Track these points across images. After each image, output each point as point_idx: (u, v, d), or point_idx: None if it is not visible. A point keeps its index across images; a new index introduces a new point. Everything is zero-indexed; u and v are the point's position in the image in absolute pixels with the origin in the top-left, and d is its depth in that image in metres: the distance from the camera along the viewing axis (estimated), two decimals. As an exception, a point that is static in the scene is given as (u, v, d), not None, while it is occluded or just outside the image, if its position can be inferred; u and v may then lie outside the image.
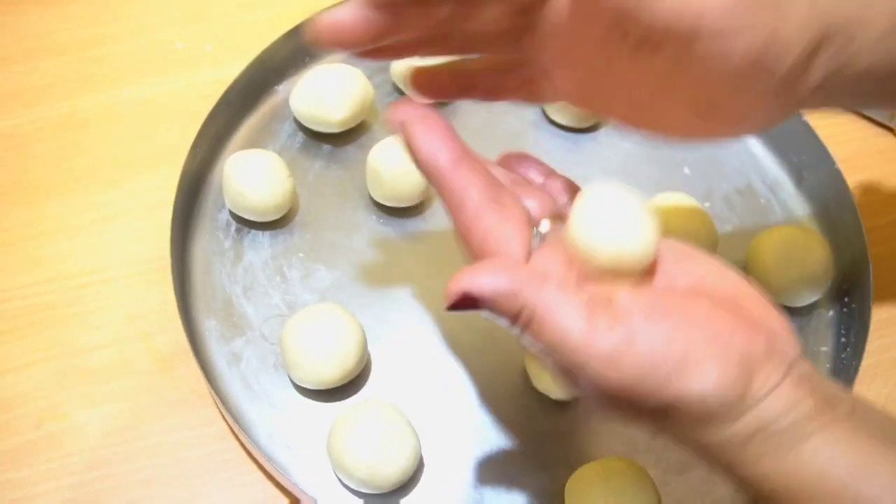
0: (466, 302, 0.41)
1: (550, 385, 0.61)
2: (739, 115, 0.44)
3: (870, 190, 0.77)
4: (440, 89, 0.53)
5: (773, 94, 0.42)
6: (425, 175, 0.46)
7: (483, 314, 0.42)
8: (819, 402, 0.39)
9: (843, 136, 0.76)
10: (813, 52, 0.41)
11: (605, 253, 0.42)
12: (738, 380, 0.39)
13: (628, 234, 0.42)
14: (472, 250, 0.45)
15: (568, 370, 0.40)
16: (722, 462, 0.40)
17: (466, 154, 0.45)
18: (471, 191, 0.44)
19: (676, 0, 0.39)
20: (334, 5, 0.44)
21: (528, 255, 0.44)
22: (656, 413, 0.40)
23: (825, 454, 0.38)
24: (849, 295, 0.69)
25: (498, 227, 0.44)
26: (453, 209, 0.45)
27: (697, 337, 0.39)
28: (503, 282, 0.40)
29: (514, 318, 0.41)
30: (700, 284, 0.43)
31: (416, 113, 0.45)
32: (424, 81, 0.52)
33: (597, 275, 0.42)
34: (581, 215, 0.43)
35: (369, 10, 0.44)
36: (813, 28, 0.41)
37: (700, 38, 0.39)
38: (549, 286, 0.40)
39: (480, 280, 0.41)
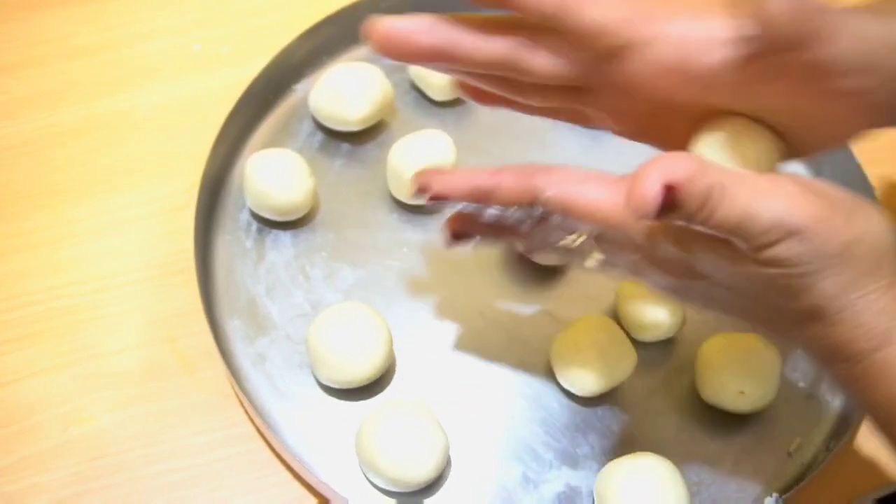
0: (668, 198, 0.38)
1: (576, 380, 0.61)
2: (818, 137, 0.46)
3: (889, 182, 0.77)
4: (485, 97, 0.53)
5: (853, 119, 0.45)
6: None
7: (674, 216, 0.40)
8: None
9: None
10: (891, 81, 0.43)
11: None
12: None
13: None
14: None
15: (754, 240, 0.40)
16: (872, 339, 0.41)
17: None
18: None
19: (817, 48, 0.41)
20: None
21: None
22: (838, 260, 0.40)
23: None
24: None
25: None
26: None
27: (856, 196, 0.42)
28: (691, 163, 0.39)
29: (706, 201, 0.39)
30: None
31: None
32: (471, 88, 0.53)
33: None
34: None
35: (427, 27, 0.46)
36: (892, 62, 0.43)
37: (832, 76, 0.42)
38: (716, 166, 0.41)
39: (672, 169, 0.38)
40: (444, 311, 0.66)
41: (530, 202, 0.47)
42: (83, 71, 0.79)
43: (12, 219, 0.70)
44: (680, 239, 0.44)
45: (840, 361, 0.43)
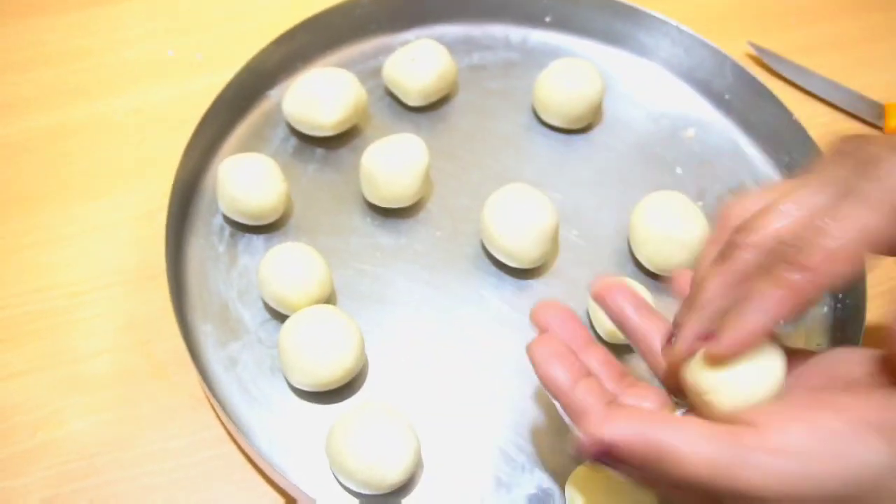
0: (601, 454, 0.42)
1: None
2: None
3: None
4: None
5: None
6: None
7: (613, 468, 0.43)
8: None
9: (833, 134, 0.76)
10: None
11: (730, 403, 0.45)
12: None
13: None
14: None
15: (713, 495, 0.41)
16: None
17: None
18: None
19: None
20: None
21: None
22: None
23: None
24: (844, 292, 0.69)
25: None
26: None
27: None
28: (631, 424, 0.42)
29: (645, 461, 0.41)
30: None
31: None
32: None
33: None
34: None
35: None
36: None
37: None
38: (676, 420, 0.42)
39: (610, 426, 0.42)
40: (416, 314, 0.66)
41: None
42: (57, 77, 0.79)
43: (-15, 224, 0.70)
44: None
45: None
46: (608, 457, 0.42)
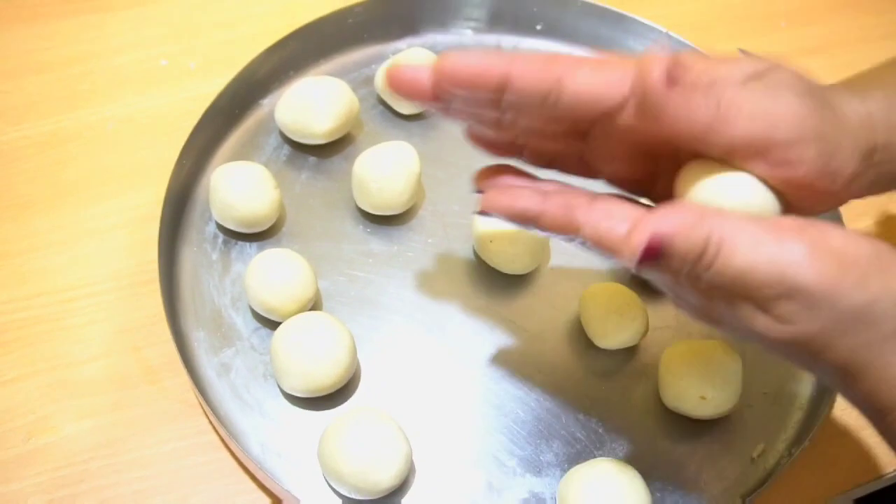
0: (654, 248, 0.41)
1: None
2: (795, 208, 0.46)
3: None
4: (492, 147, 0.54)
5: (834, 193, 0.44)
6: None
7: (664, 267, 0.42)
8: None
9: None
10: (868, 157, 0.44)
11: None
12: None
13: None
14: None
15: (755, 297, 0.41)
16: (878, 365, 0.40)
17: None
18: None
19: (749, 120, 0.42)
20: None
21: None
22: (850, 323, 0.40)
23: None
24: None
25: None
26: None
27: (884, 250, 0.41)
28: (687, 215, 0.41)
29: (701, 253, 0.40)
30: None
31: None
32: (481, 142, 0.54)
33: None
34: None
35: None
36: (869, 139, 0.44)
37: (774, 148, 0.42)
38: (727, 214, 0.41)
39: (664, 220, 0.41)
40: (408, 321, 0.67)
41: (571, 234, 0.48)
42: (51, 84, 0.79)
43: (-21, 231, 0.70)
44: (698, 288, 0.43)
45: (874, 413, 0.42)
46: (659, 253, 0.41)
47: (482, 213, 0.51)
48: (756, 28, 0.91)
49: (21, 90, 0.79)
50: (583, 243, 0.47)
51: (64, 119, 0.77)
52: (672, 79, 0.42)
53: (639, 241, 0.41)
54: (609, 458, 0.58)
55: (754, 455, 0.63)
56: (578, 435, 0.62)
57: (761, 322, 0.41)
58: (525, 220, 0.49)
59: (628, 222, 0.44)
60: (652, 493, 0.58)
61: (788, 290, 0.39)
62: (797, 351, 0.42)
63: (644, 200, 0.51)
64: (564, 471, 0.60)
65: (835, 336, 0.40)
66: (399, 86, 0.47)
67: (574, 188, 0.49)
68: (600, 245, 0.46)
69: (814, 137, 0.42)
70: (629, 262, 0.42)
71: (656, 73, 0.42)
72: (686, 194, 0.46)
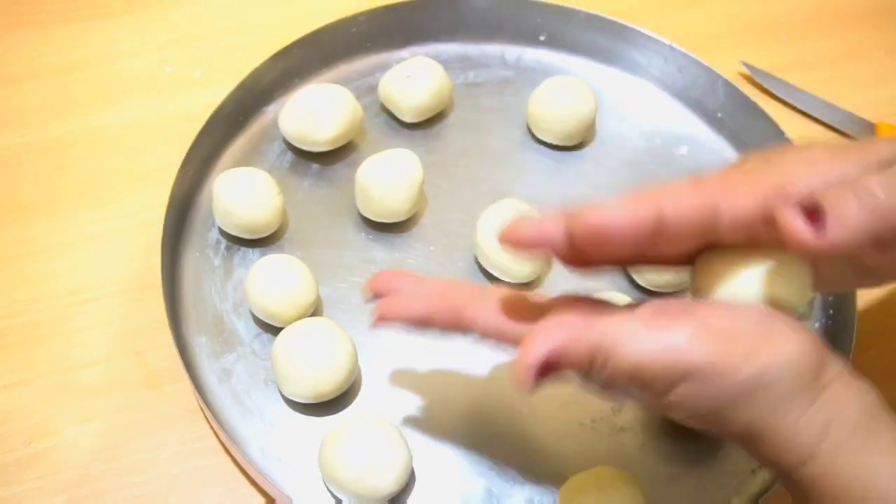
0: (546, 367, 0.43)
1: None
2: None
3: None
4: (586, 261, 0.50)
5: None
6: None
7: (566, 379, 0.44)
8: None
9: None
10: None
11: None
12: (814, 349, 0.41)
13: None
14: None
15: (653, 387, 0.42)
16: (797, 456, 0.41)
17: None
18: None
19: None
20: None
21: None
22: (744, 395, 0.41)
23: None
24: (834, 307, 0.70)
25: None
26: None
27: (767, 318, 0.42)
28: (570, 327, 0.43)
29: (591, 361, 0.42)
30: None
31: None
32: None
33: None
34: None
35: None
36: None
37: None
38: (611, 316, 0.43)
39: (550, 337, 0.43)
40: (409, 327, 0.66)
41: (463, 332, 0.50)
42: (54, 89, 0.80)
43: (-19, 234, 0.70)
44: (600, 384, 0.44)
45: (781, 471, 0.43)
46: (551, 370, 0.43)
47: (378, 322, 0.53)
48: (758, 40, 0.92)
49: (24, 95, 0.79)
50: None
51: (67, 124, 0.77)
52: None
53: (530, 365, 0.43)
54: (608, 466, 0.58)
55: (754, 467, 0.63)
56: (578, 442, 0.62)
57: (664, 405, 0.43)
58: (420, 324, 0.52)
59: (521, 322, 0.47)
60: (649, 501, 0.58)
61: (683, 373, 0.41)
62: (704, 424, 0.44)
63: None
64: (565, 478, 0.60)
65: (734, 408, 0.41)
66: (519, 243, 0.47)
67: (462, 285, 0.53)
68: (500, 342, 0.49)
69: None
70: (525, 386, 0.43)
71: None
72: (711, 290, 0.45)
